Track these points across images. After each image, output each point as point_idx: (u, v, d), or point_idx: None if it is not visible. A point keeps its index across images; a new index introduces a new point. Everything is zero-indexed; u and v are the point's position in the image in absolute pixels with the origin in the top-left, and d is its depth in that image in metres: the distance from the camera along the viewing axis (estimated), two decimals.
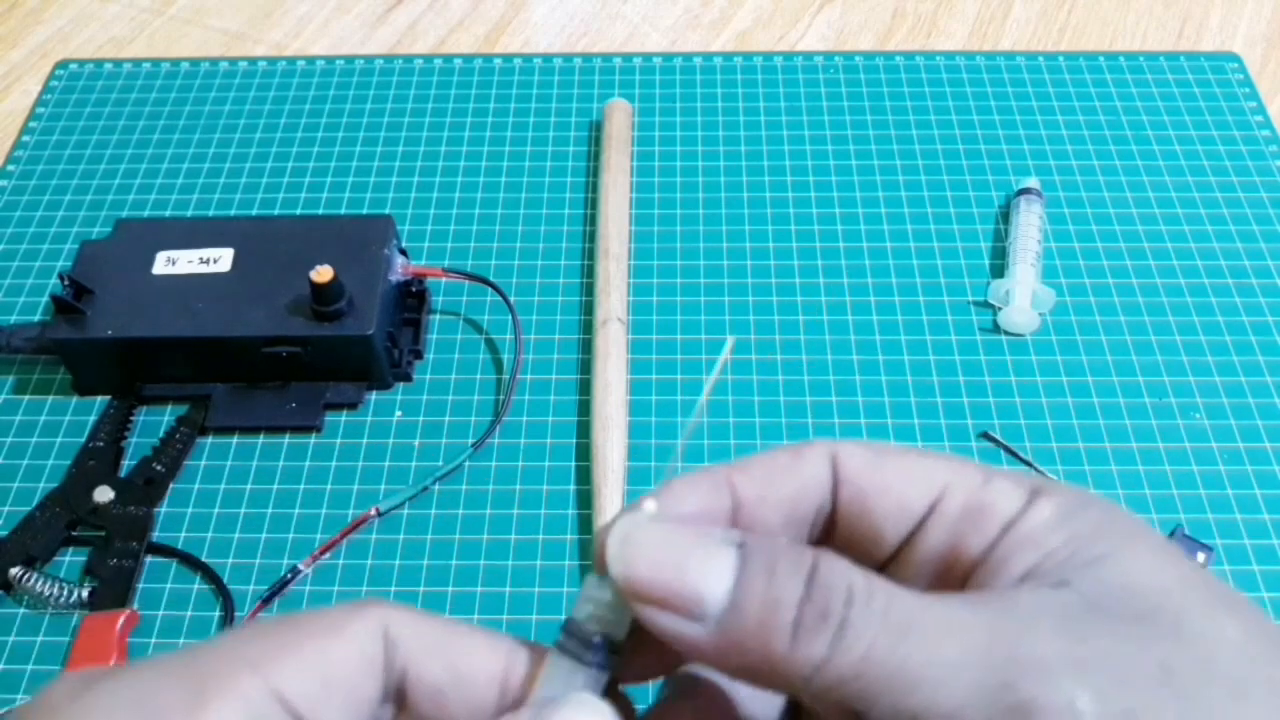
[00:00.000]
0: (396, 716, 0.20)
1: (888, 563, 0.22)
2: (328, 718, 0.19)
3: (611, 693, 0.21)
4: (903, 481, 0.21)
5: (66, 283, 0.49)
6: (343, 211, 0.59)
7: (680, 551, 0.19)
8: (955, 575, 0.21)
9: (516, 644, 0.21)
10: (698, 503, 0.21)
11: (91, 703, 0.17)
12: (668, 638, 0.19)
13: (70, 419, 0.51)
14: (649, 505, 0.21)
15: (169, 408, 0.51)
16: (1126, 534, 0.20)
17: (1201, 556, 0.45)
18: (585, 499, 0.47)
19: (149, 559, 0.46)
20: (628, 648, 0.21)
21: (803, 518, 0.22)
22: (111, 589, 0.44)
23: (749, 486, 0.22)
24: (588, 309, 0.54)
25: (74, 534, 0.46)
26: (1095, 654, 0.18)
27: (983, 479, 0.21)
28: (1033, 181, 0.58)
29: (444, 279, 0.55)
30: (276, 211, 0.59)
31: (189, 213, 0.59)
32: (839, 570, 0.19)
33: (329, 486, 0.48)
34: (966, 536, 0.21)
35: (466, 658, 0.20)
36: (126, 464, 0.49)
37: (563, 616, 0.21)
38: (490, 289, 0.54)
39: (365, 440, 0.50)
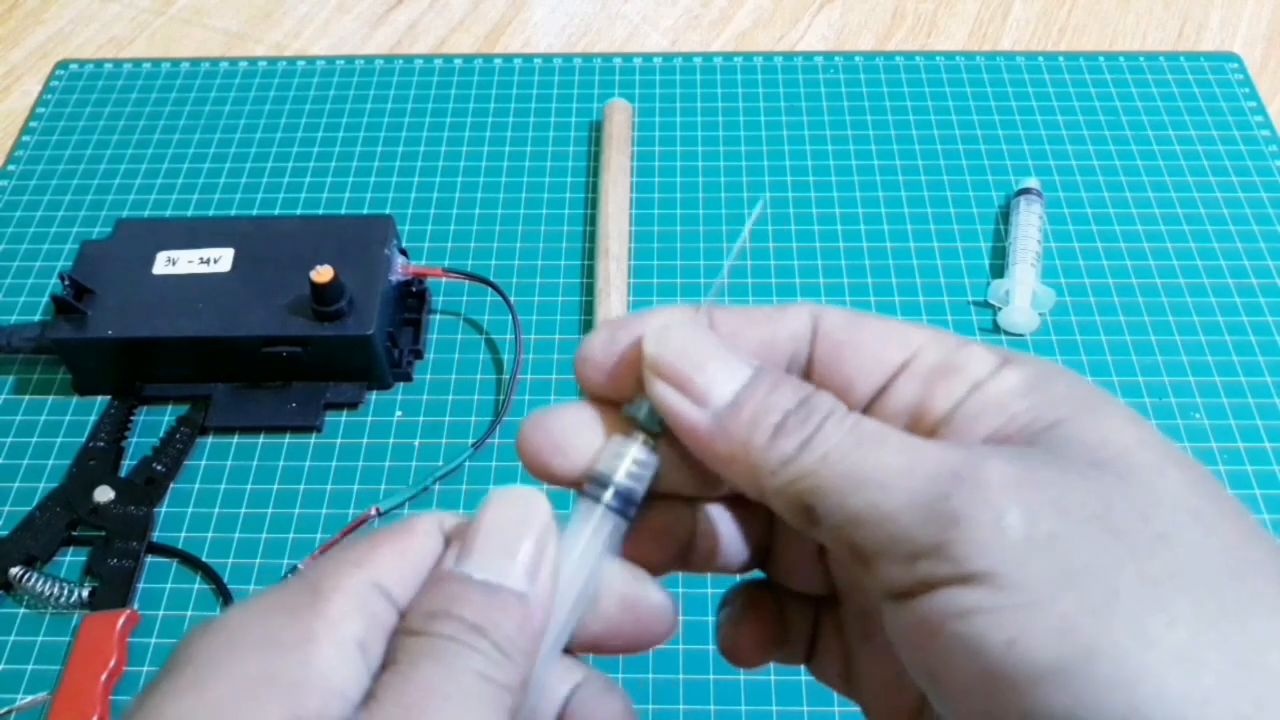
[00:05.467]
0: None
1: (867, 406, 0.23)
2: (413, 593, 0.21)
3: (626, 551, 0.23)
4: (878, 339, 0.22)
5: (67, 282, 0.49)
6: (343, 211, 0.59)
7: (705, 350, 0.22)
8: (922, 431, 0.21)
9: None
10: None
11: (228, 621, 0.20)
12: (672, 415, 0.22)
13: (70, 419, 0.51)
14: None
15: (169, 408, 0.51)
16: (1091, 402, 0.20)
17: None
18: None
19: (149, 559, 0.46)
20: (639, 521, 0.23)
21: (776, 362, 0.23)
22: (112, 589, 0.44)
23: (727, 323, 0.23)
24: (588, 309, 0.54)
25: (74, 534, 0.46)
26: (1036, 481, 0.19)
27: (956, 345, 0.22)
28: (1032, 182, 0.58)
29: (444, 279, 0.55)
30: (276, 211, 0.59)
31: (189, 213, 0.59)
32: (830, 397, 0.21)
33: (329, 486, 0.48)
34: (935, 393, 0.21)
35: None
36: (127, 464, 0.49)
37: None
38: (490, 289, 0.54)
39: (365, 440, 0.50)
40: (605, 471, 0.22)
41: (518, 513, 0.22)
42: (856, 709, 0.25)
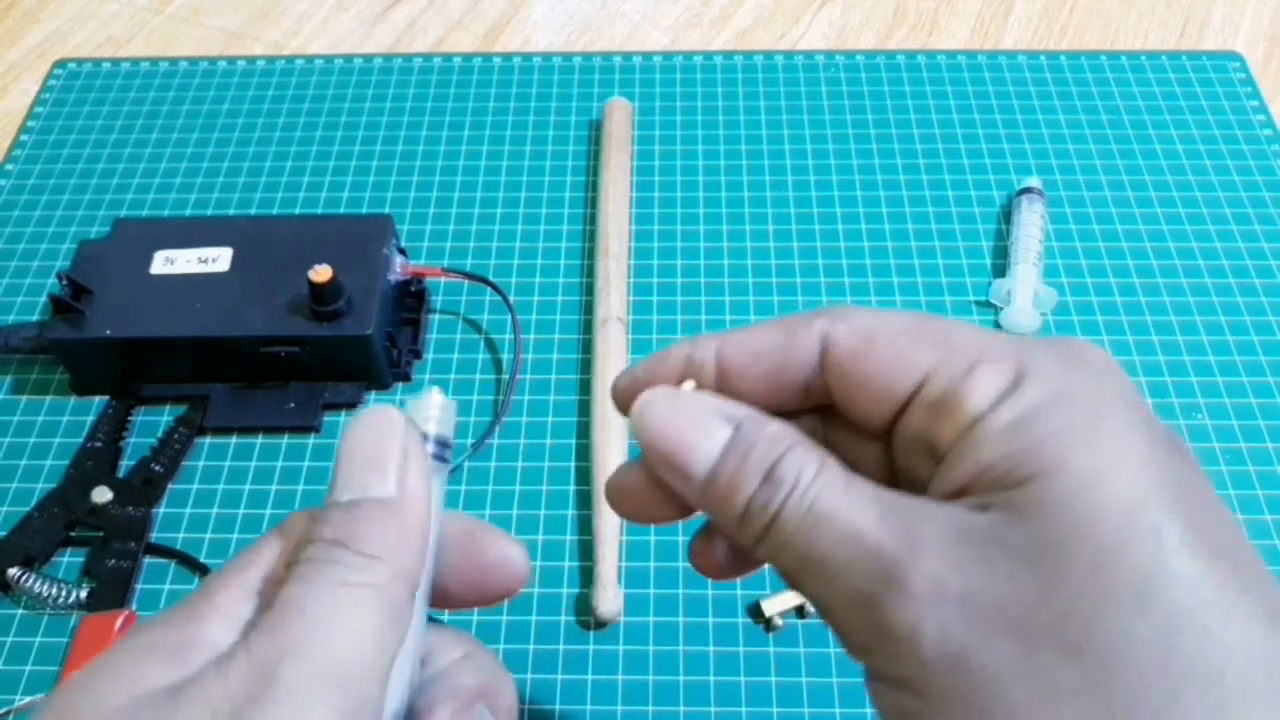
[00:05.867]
0: None
1: (889, 429, 0.23)
2: None
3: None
4: (886, 370, 0.22)
5: (65, 282, 0.49)
6: (342, 211, 0.59)
7: (681, 426, 0.23)
8: (935, 458, 0.22)
9: None
10: (686, 375, 0.24)
11: (117, 647, 0.21)
12: (670, 485, 0.23)
13: (68, 419, 0.50)
14: (688, 385, 0.25)
15: (167, 408, 0.51)
16: (1084, 441, 0.20)
17: None
18: (585, 499, 0.47)
19: (147, 559, 0.46)
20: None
21: (791, 389, 0.24)
22: (110, 589, 0.44)
23: (737, 358, 0.24)
24: (588, 309, 0.54)
25: (72, 534, 0.46)
26: (961, 587, 0.19)
27: (968, 365, 0.21)
28: (1034, 181, 0.58)
29: (443, 279, 0.54)
30: (275, 211, 0.59)
31: (187, 212, 0.59)
32: (794, 463, 0.22)
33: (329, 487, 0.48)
34: (940, 426, 0.21)
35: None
36: (125, 464, 0.49)
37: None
38: (490, 289, 0.54)
39: None
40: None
41: (371, 430, 0.23)
42: (858, 710, 0.25)
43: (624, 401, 0.25)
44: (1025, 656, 0.18)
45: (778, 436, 0.22)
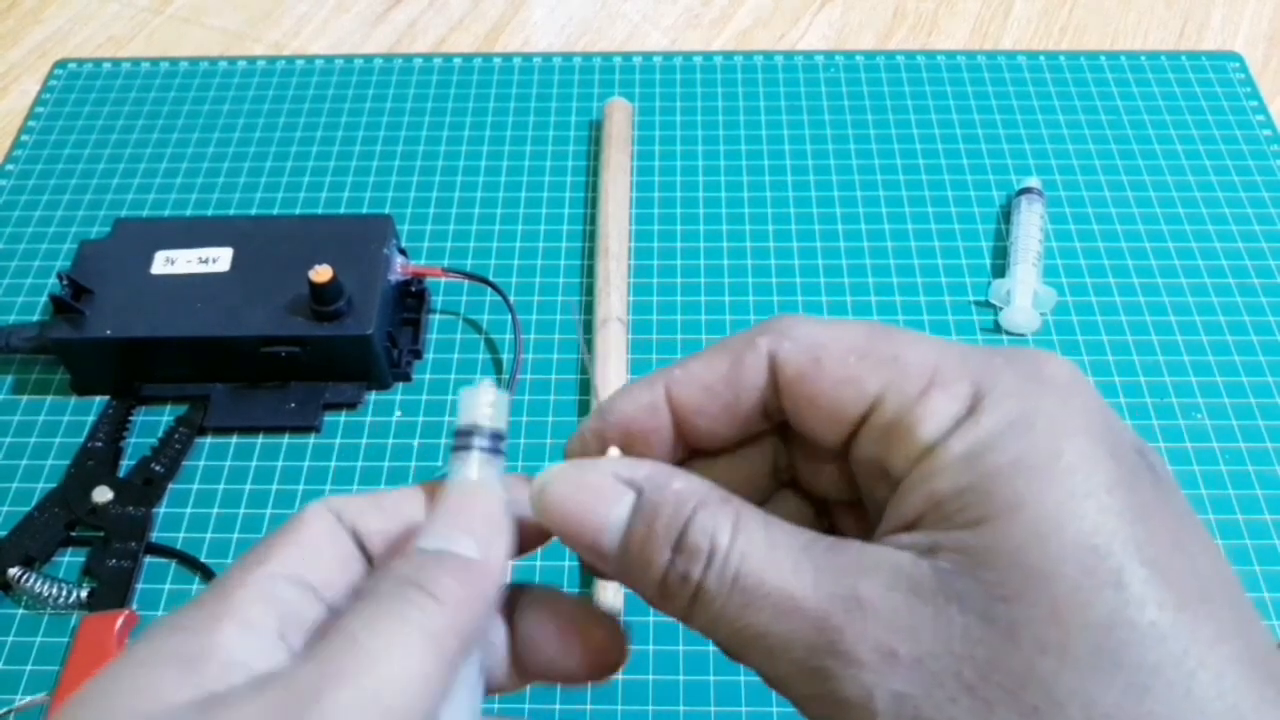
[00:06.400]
0: (368, 568, 0.23)
1: (846, 449, 0.22)
2: (326, 577, 0.22)
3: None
4: (834, 393, 0.21)
5: (65, 282, 0.49)
6: (342, 211, 0.59)
7: (583, 503, 0.21)
8: (891, 485, 0.21)
9: (432, 483, 0.24)
10: (637, 424, 0.23)
11: (152, 624, 0.21)
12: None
13: (69, 419, 0.50)
14: (612, 452, 0.24)
15: (168, 408, 0.51)
16: (1036, 477, 0.18)
17: None
18: None
19: (148, 559, 0.46)
20: None
21: (750, 416, 0.23)
22: (110, 589, 0.44)
23: (687, 398, 0.23)
24: (588, 309, 0.54)
25: (73, 534, 0.46)
26: (910, 654, 0.18)
27: (920, 388, 0.20)
28: (1034, 181, 0.58)
29: (443, 279, 0.54)
30: (276, 211, 0.59)
31: (188, 212, 0.59)
32: (706, 525, 0.20)
33: (328, 487, 0.48)
34: (891, 454, 0.20)
35: (392, 500, 0.23)
36: (125, 464, 0.49)
37: None
38: (490, 289, 0.54)
39: (365, 440, 0.49)
40: (469, 423, 0.23)
41: (472, 491, 0.22)
42: None
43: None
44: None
45: (683, 496, 0.21)
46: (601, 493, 0.21)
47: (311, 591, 0.21)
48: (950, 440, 0.19)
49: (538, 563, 0.45)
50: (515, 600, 0.24)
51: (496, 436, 0.24)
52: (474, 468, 0.23)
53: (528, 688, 0.24)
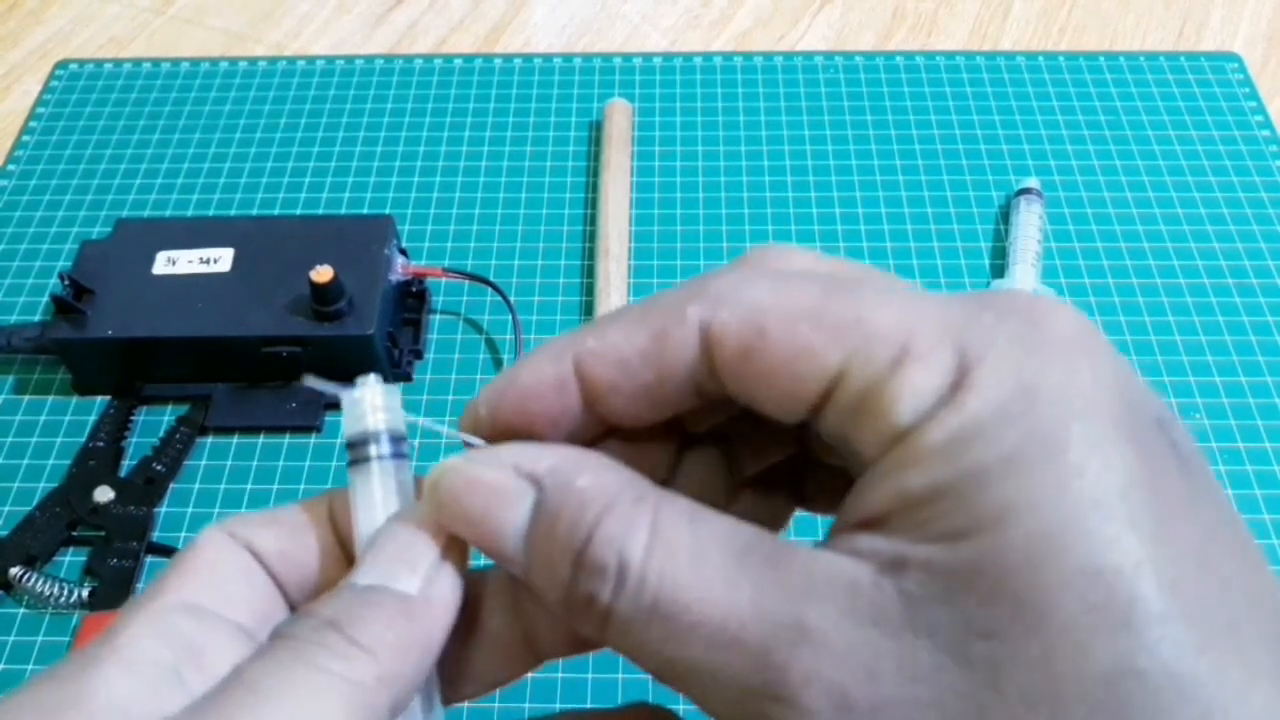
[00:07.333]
0: (276, 587, 0.21)
1: (806, 425, 0.19)
2: (228, 599, 0.19)
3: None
4: (786, 370, 0.17)
5: (66, 282, 0.49)
6: (343, 211, 0.59)
7: (474, 505, 0.19)
8: (861, 463, 0.17)
9: (332, 492, 0.22)
10: (542, 403, 0.20)
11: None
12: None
13: (70, 419, 0.50)
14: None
15: (169, 408, 0.51)
16: (1032, 478, 0.15)
17: None
18: None
19: (149, 559, 0.46)
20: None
21: (676, 397, 0.19)
22: (112, 589, 0.44)
23: (600, 375, 0.19)
24: (588, 309, 0.54)
25: (74, 534, 0.46)
26: (868, 701, 0.15)
27: (891, 359, 0.16)
28: (1033, 181, 0.58)
29: (444, 279, 0.54)
30: (276, 211, 0.59)
31: (189, 213, 0.59)
32: (613, 540, 0.17)
33: (329, 487, 0.48)
34: (860, 433, 0.17)
35: (289, 514, 0.21)
36: (126, 464, 0.49)
37: None
38: (490, 289, 0.54)
39: None
40: (359, 431, 0.21)
41: (411, 523, 0.20)
42: None
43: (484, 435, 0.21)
44: None
45: (587, 497, 0.17)
46: (497, 491, 0.18)
47: (213, 617, 0.19)
48: (929, 425, 0.16)
49: None
50: (510, 586, 0.21)
51: (396, 439, 0.21)
52: (376, 481, 0.20)
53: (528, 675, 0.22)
